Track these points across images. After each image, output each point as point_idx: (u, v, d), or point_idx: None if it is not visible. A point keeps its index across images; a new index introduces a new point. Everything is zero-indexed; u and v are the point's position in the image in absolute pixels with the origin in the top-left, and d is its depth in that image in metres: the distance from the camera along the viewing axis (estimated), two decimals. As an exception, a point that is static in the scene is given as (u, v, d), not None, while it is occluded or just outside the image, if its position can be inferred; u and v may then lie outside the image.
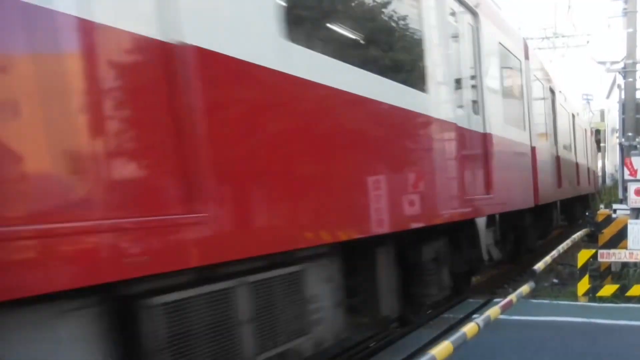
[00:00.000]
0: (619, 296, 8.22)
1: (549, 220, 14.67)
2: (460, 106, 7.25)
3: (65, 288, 2.48)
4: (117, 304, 2.92)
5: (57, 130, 2.49)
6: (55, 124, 2.48)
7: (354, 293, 5.42)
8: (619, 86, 16.37)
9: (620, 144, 15.27)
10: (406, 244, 6.14)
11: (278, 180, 3.81)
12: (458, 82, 7.34)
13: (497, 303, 6.84)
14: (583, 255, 8.55)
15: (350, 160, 4.70)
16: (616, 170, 22.00)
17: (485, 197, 7.94)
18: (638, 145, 14.14)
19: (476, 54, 8.00)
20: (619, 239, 8.75)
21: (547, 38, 32.64)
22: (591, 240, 11.88)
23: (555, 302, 8.51)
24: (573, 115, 19.07)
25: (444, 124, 6.55)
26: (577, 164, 18.56)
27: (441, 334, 6.47)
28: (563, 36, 32.73)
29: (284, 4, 3.88)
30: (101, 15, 2.63)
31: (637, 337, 6.51)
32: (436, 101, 6.38)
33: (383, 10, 5.73)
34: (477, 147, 7.79)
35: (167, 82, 2.93)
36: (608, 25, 20.11)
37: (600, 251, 8.65)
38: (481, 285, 10.26)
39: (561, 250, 10.63)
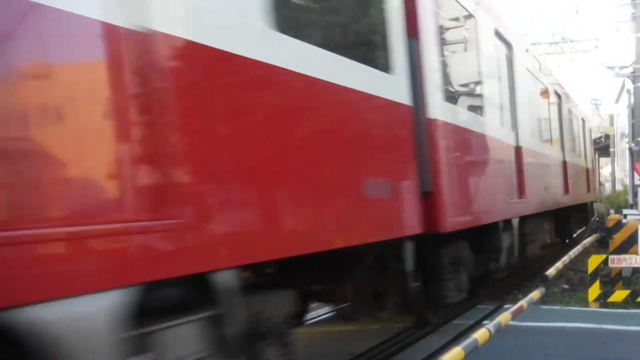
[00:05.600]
0: (630, 302, 8.19)
1: None
2: None
3: None
4: None
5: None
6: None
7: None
8: (628, 91, 16.37)
9: (630, 149, 15.26)
10: None
11: None
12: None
13: (507, 309, 6.83)
14: (593, 261, 8.52)
15: None
16: (626, 176, 21.94)
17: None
18: (648, 150, 14.13)
19: None
20: (630, 244, 8.71)
21: (556, 43, 32.66)
22: (601, 245, 11.86)
23: (565, 307, 8.48)
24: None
25: None
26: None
27: (452, 340, 6.46)
28: (571, 41, 32.76)
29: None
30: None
31: (649, 343, 6.49)
32: None
33: None
34: None
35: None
36: (616, 30, 20.07)
37: (610, 256, 8.61)
38: (491, 291, 10.23)
39: (572, 256, 10.60)
